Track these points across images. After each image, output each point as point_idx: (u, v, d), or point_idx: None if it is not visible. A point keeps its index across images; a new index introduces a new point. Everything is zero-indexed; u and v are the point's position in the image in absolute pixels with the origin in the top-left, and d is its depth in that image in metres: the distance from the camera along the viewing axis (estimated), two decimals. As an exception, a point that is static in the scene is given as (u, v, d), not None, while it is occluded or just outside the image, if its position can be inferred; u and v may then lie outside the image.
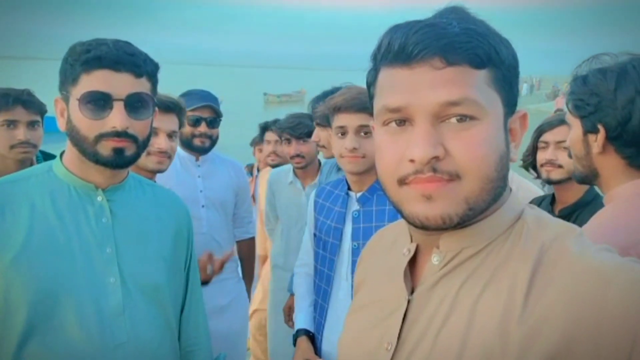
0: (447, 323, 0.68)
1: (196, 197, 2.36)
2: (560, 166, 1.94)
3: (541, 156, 2.01)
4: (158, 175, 2.11)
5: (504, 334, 0.62)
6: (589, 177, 1.31)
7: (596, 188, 1.97)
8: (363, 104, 1.62)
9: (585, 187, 1.94)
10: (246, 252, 2.68)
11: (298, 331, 1.80)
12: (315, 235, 1.84)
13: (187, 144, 2.39)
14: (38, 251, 1.15)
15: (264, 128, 3.55)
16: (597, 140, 1.21)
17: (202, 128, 2.37)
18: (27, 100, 2.10)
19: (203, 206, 2.39)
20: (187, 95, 2.40)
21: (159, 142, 1.93)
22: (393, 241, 0.87)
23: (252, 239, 2.71)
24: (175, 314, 1.39)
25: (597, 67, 1.22)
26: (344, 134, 1.66)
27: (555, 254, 0.65)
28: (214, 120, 2.40)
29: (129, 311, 1.22)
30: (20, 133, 2.06)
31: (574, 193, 1.95)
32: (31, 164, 2.14)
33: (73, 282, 1.16)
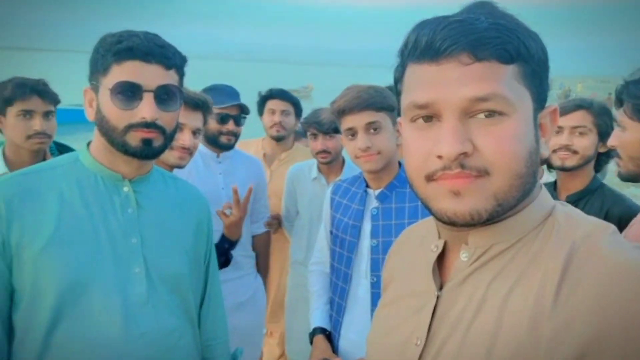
0: (476, 319, 0.68)
1: (218, 195, 2.34)
2: (575, 152, 1.92)
3: (554, 141, 1.96)
4: (180, 171, 2.11)
5: (534, 331, 0.62)
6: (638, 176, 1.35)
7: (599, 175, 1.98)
8: (366, 101, 1.62)
9: (592, 174, 1.96)
10: (262, 246, 2.65)
11: (315, 330, 1.78)
12: (331, 232, 1.83)
13: (213, 141, 2.38)
14: (66, 240, 1.16)
15: (266, 97, 3.01)
16: None
17: (230, 126, 2.37)
18: (43, 90, 2.09)
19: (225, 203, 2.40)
20: (213, 90, 2.39)
21: (184, 138, 1.94)
22: (422, 238, 0.87)
23: (268, 233, 2.71)
24: (196, 306, 1.40)
25: None
26: (353, 134, 1.66)
27: (587, 251, 0.64)
28: (241, 117, 2.40)
29: (153, 301, 1.23)
30: (37, 123, 2.06)
31: (582, 180, 1.95)
32: (44, 155, 2.15)
33: (100, 271, 1.17)
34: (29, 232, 1.14)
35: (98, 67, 1.19)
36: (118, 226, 1.22)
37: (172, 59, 1.20)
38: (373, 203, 1.71)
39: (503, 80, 0.66)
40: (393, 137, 1.67)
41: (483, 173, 0.66)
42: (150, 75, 1.16)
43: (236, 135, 2.42)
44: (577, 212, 0.73)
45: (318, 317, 1.81)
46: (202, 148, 2.38)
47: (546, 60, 0.71)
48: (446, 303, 0.73)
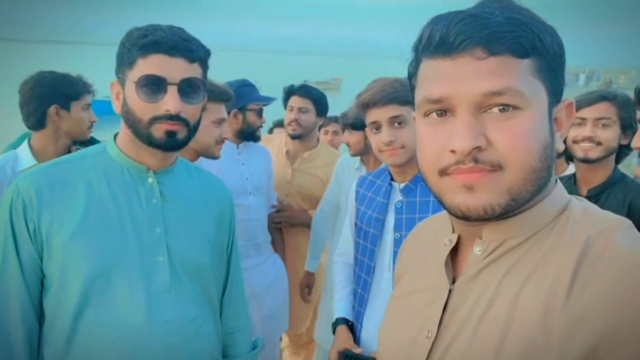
0: (488, 313, 0.68)
1: (244, 185, 2.44)
2: (599, 143, 1.89)
3: (577, 133, 1.93)
4: (207, 163, 2.17)
5: (546, 325, 0.62)
6: None
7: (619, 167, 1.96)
8: (390, 95, 1.62)
9: (612, 166, 1.93)
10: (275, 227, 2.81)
11: (337, 320, 1.80)
12: (356, 225, 1.84)
13: (251, 135, 2.50)
14: (94, 228, 1.20)
15: (289, 93, 2.96)
16: None
17: (264, 119, 2.53)
18: (88, 85, 2.26)
19: (250, 193, 2.48)
20: (248, 86, 2.50)
21: (226, 132, 2.03)
22: (435, 232, 0.87)
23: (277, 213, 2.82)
24: (218, 295, 1.43)
25: None
26: (378, 128, 1.66)
27: (602, 246, 0.63)
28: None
29: (175, 289, 1.26)
30: (92, 114, 2.24)
31: (604, 172, 1.92)
32: (69, 149, 2.24)
33: (125, 259, 1.21)
34: (58, 220, 1.18)
35: (124, 60, 1.22)
36: (143, 216, 1.25)
37: (195, 52, 1.22)
38: (397, 196, 1.71)
39: (517, 75, 0.65)
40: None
41: (497, 167, 0.66)
42: (174, 68, 1.19)
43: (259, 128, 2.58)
44: (592, 207, 0.72)
45: (341, 308, 1.83)
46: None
47: (562, 54, 0.70)
48: (458, 297, 0.73)
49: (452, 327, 0.72)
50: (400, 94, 1.62)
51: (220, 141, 2.02)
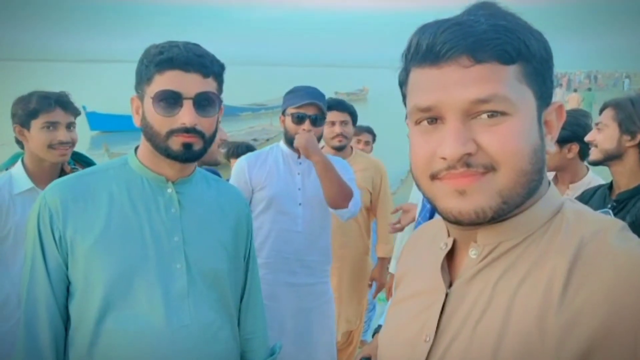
0: (485, 315, 0.69)
1: (294, 195, 2.36)
2: (596, 146, 1.95)
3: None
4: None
5: (542, 326, 0.62)
6: None
7: None
8: None
9: None
10: None
11: (378, 326, 1.81)
12: None
13: (291, 142, 2.37)
14: (115, 237, 1.26)
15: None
16: None
17: (306, 126, 2.32)
18: (66, 102, 2.12)
19: (300, 204, 2.37)
20: (293, 92, 2.42)
21: (60, 136, 2.06)
22: (433, 236, 0.87)
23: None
24: (235, 301, 1.47)
25: None
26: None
27: (595, 247, 0.64)
28: (318, 118, 2.35)
29: (193, 295, 1.31)
30: (61, 134, 2.08)
31: (632, 177, 1.90)
32: (62, 167, 2.17)
33: (144, 267, 1.27)
34: (82, 229, 1.25)
35: (142, 77, 1.28)
36: (162, 225, 1.31)
37: (209, 67, 1.27)
38: None
39: (504, 81, 0.66)
40: None
41: (490, 169, 0.67)
42: (189, 83, 1.24)
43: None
44: (586, 209, 0.73)
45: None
46: (284, 148, 2.43)
47: (549, 58, 0.71)
48: (455, 300, 0.74)
49: (449, 331, 0.72)
50: None
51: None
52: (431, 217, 1.67)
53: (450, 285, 0.77)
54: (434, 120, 0.70)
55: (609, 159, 1.93)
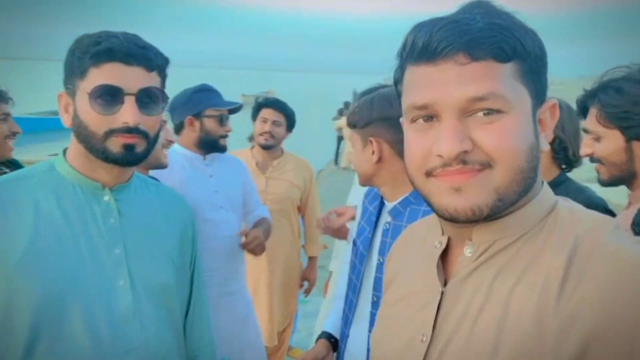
0: (482, 314, 0.68)
1: (212, 199, 2.23)
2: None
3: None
4: (166, 177, 2.05)
5: (539, 325, 0.62)
6: (623, 180, 1.37)
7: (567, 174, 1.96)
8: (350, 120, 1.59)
9: (557, 171, 1.93)
10: (263, 227, 2.44)
11: (322, 333, 1.72)
12: (354, 241, 1.69)
13: (213, 144, 2.27)
14: (44, 253, 1.09)
15: (261, 105, 3.05)
16: None
17: (228, 127, 2.30)
18: None
19: (221, 207, 2.25)
20: (207, 91, 2.30)
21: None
22: (424, 235, 0.87)
23: (266, 220, 2.55)
24: (182, 317, 1.35)
25: (622, 77, 1.27)
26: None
27: (590, 245, 0.65)
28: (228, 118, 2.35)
29: (139, 315, 1.17)
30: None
31: (542, 174, 1.96)
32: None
33: (81, 286, 1.11)
34: (1, 246, 1.07)
35: (74, 70, 1.12)
36: (100, 237, 1.16)
37: (154, 60, 1.15)
38: (386, 217, 1.55)
39: (500, 79, 0.67)
40: (364, 154, 1.54)
41: (486, 166, 0.67)
42: (131, 77, 1.11)
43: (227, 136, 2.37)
44: (579, 207, 0.75)
45: (329, 322, 1.75)
46: (185, 151, 2.29)
47: (543, 56, 0.72)
48: (451, 299, 0.73)
49: (446, 330, 0.72)
50: (349, 116, 1.58)
51: (167, 145, 1.91)
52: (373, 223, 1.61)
53: (445, 284, 0.76)
54: (430, 118, 0.70)
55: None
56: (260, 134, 2.98)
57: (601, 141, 1.40)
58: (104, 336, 1.11)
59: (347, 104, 11.90)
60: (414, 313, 0.78)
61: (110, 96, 1.10)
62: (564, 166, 1.96)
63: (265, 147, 3.00)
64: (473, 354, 0.67)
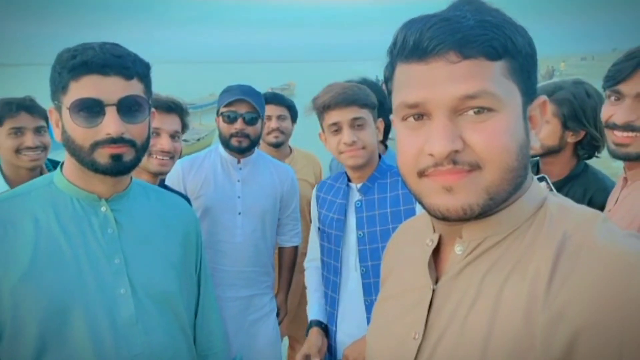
0: (472, 310, 0.69)
1: (232, 204, 2.17)
2: None
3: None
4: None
5: (529, 320, 0.63)
6: None
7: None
8: (351, 97, 1.65)
9: (572, 159, 1.88)
10: (288, 260, 2.48)
11: (311, 322, 1.83)
12: (319, 229, 1.87)
13: (225, 144, 2.18)
14: (46, 267, 1.11)
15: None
16: None
17: (239, 125, 2.12)
18: (30, 106, 2.10)
19: (240, 213, 2.18)
20: (225, 91, 2.22)
21: (162, 143, 1.88)
22: (418, 232, 0.87)
23: (296, 248, 2.49)
24: (190, 320, 1.37)
25: None
26: (337, 130, 1.68)
27: (579, 240, 0.64)
28: (252, 116, 2.14)
29: (142, 321, 1.19)
30: (28, 139, 2.07)
31: (563, 166, 1.87)
32: (41, 172, 2.16)
33: (83, 296, 1.13)
34: (4, 263, 1.09)
35: (57, 85, 1.14)
36: (99, 248, 1.18)
37: (132, 68, 1.14)
38: (356, 196, 1.75)
39: (491, 77, 0.66)
40: (375, 133, 1.72)
41: (475, 167, 0.67)
42: (109, 88, 1.11)
43: (249, 137, 2.15)
44: (569, 202, 0.74)
45: (314, 310, 1.86)
46: (223, 153, 2.23)
47: (534, 54, 0.71)
48: (442, 296, 0.74)
49: (438, 327, 0.72)
50: (359, 96, 1.67)
51: (158, 153, 1.87)
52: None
53: (437, 281, 0.76)
54: (421, 116, 0.70)
55: (547, 154, 1.86)
56: (269, 133, 2.80)
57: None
58: (108, 343, 1.13)
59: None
60: (406, 311, 0.79)
61: (90, 109, 1.10)
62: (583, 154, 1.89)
63: (277, 145, 2.83)
64: (464, 350, 0.67)
